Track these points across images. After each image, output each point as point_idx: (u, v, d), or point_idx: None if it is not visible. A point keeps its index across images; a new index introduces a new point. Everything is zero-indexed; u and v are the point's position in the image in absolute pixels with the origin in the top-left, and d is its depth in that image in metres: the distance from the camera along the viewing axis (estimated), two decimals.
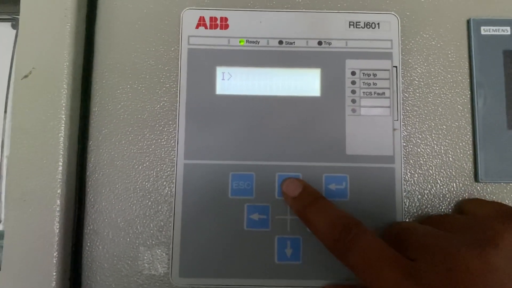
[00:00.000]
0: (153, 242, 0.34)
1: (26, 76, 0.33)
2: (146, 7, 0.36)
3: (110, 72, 0.36)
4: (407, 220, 0.34)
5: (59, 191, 0.32)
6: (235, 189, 0.34)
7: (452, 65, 0.36)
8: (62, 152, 0.32)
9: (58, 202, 0.32)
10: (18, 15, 0.34)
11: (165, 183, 0.35)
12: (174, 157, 0.35)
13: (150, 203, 0.35)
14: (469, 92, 0.36)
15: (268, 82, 0.35)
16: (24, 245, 0.32)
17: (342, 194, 0.34)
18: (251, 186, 0.34)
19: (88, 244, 0.34)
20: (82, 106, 0.35)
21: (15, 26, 0.36)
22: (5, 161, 0.34)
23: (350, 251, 0.28)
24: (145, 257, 0.34)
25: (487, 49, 0.36)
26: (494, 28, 0.36)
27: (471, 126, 0.35)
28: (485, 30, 0.36)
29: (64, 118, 0.32)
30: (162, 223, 0.34)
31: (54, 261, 0.31)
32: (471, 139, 0.35)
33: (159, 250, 0.34)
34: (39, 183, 0.32)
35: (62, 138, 0.32)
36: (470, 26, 0.36)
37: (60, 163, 0.32)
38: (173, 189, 0.34)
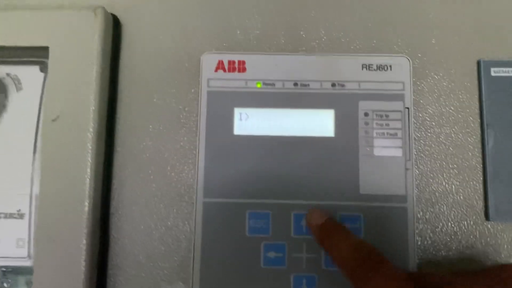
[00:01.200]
0: (174, 278, 0.36)
1: (54, 120, 0.34)
2: (168, 52, 0.38)
3: (133, 113, 0.38)
4: (418, 257, 0.35)
5: (85, 230, 0.33)
6: (252, 227, 0.35)
7: (463, 105, 0.37)
8: (88, 193, 0.34)
9: (84, 241, 0.33)
10: (46, 58, 0.36)
11: (185, 220, 0.36)
12: (194, 195, 0.36)
13: (170, 239, 0.36)
14: (480, 132, 0.37)
15: (284, 122, 0.36)
16: (51, 281, 0.33)
17: (357, 232, 0.35)
18: (267, 224, 0.35)
19: (112, 279, 0.36)
20: (106, 146, 0.36)
21: (43, 69, 0.37)
22: (34, 200, 0.35)
23: (370, 280, 0.28)
24: None
25: (497, 90, 0.37)
26: (504, 69, 0.37)
27: (481, 165, 0.36)
28: (495, 72, 0.37)
29: (90, 160, 0.34)
30: (182, 259, 0.36)
31: None
32: (481, 179, 0.36)
33: (179, 286, 0.35)
34: (66, 222, 0.34)
35: (88, 179, 0.34)
36: (480, 67, 0.37)
37: (86, 203, 0.34)
38: (193, 227, 0.35)
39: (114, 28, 0.38)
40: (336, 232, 0.33)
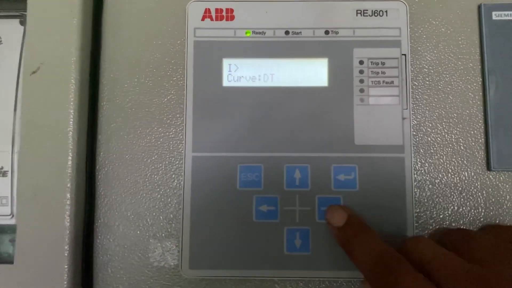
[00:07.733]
0: (163, 235, 0.34)
1: (34, 72, 0.33)
2: (152, 1, 0.36)
3: (117, 66, 0.36)
4: (417, 210, 0.34)
5: (69, 185, 0.32)
6: (243, 181, 0.34)
7: (462, 52, 0.36)
8: (71, 147, 0.32)
9: (68, 196, 0.32)
10: (26, 11, 0.34)
11: (173, 176, 0.35)
12: (182, 150, 0.35)
13: (159, 196, 0.35)
14: (481, 79, 0.35)
15: (275, 73, 0.35)
16: (36, 239, 0.32)
17: (351, 184, 0.34)
18: (259, 177, 0.34)
19: (99, 237, 0.35)
20: (90, 101, 0.35)
21: (23, 22, 0.36)
22: (15, 157, 0.34)
23: None
24: (156, 250, 0.34)
25: (499, 35, 0.35)
26: (506, 13, 0.35)
27: (482, 113, 0.35)
28: (496, 15, 0.35)
29: (73, 113, 0.33)
30: (171, 215, 0.35)
31: (66, 254, 0.32)
32: (483, 127, 0.35)
33: (169, 243, 0.34)
34: (49, 178, 0.32)
35: (71, 132, 0.32)
36: (481, 11, 0.35)
37: (70, 158, 0.32)
38: (182, 182, 0.34)
39: None
40: (356, 236, 0.30)
